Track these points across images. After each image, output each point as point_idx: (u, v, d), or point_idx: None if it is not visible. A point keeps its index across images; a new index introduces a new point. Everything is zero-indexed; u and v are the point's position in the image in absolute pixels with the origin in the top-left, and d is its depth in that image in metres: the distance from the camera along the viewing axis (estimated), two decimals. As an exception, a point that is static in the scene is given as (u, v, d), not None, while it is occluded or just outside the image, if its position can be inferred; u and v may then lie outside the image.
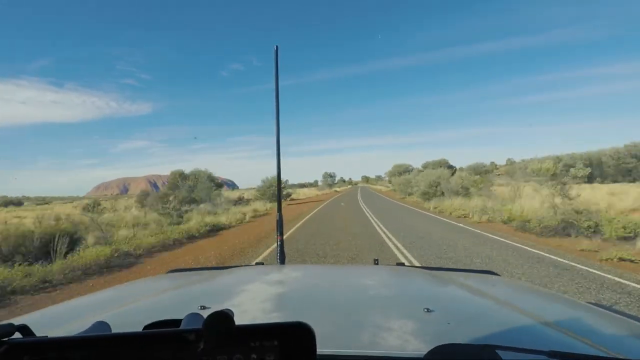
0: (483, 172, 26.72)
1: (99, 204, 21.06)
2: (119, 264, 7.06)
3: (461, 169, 31.32)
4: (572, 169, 24.10)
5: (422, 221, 13.16)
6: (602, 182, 25.89)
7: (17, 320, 0.56)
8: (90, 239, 8.52)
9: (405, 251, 7.32)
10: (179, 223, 12.72)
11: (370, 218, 14.48)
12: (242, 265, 1.96)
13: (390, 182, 49.21)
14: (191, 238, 10.54)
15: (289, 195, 33.80)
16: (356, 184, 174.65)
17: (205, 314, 0.46)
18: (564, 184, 12.44)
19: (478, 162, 34.88)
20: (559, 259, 6.38)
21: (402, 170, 47.28)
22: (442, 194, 21.32)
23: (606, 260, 6.16)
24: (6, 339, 0.44)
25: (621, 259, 6.15)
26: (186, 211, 15.91)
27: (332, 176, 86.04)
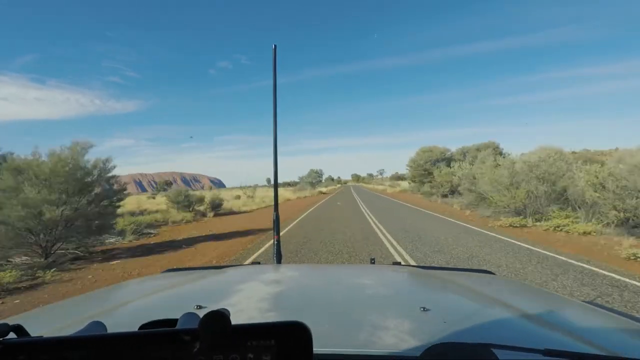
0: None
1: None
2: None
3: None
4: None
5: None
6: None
7: (11, 320, 0.55)
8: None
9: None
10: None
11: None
12: (238, 265, 1.94)
13: (412, 179, 30.11)
14: None
15: (217, 205, 18.35)
16: (346, 182, 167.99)
17: (201, 313, 0.46)
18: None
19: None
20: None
21: (435, 158, 26.46)
22: (566, 203, 10.37)
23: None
24: (0, 339, 0.43)
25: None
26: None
27: (319, 174, 69.82)
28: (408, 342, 0.71)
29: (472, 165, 16.61)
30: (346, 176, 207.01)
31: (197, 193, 20.08)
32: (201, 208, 17.56)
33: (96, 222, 7.83)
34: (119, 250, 8.52)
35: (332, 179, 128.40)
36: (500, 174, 12.22)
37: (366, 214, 14.95)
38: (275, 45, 3.19)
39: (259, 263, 2.06)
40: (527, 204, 11.06)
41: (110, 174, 8.36)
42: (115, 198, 8.59)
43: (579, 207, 9.90)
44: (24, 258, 6.97)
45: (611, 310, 1.09)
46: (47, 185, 6.91)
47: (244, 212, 20.22)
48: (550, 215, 10.24)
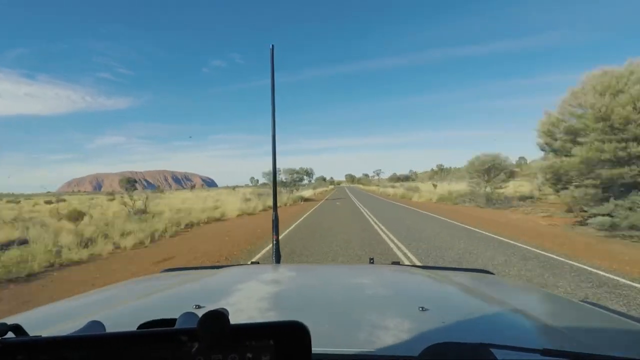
0: None
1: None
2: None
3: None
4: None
5: None
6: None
7: (9, 320, 0.55)
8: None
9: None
10: None
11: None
12: (237, 265, 1.94)
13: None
14: None
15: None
16: (339, 183, 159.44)
17: (200, 313, 0.46)
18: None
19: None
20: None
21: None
22: None
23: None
24: None
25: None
26: None
27: (309, 173, 52.57)
28: (407, 342, 0.72)
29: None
30: (339, 176, 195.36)
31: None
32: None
33: None
34: None
35: (324, 179, 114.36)
36: None
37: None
38: (273, 46, 3.16)
39: (257, 263, 2.06)
40: None
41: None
42: None
43: None
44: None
45: (610, 310, 1.09)
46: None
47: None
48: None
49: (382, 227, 11.04)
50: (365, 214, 15.87)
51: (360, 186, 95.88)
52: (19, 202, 33.17)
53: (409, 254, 6.94)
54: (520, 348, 0.60)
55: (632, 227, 8.17)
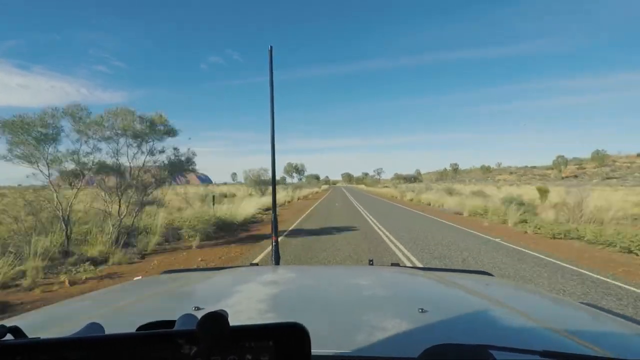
0: None
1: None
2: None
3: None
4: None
5: None
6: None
7: (8, 322, 0.55)
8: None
9: None
10: None
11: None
12: (236, 266, 1.94)
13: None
14: None
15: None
16: (335, 183, 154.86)
17: (199, 314, 0.46)
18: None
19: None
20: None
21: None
22: None
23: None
24: None
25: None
26: None
27: (300, 171, 50.10)
28: (406, 344, 0.72)
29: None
30: (335, 176, 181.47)
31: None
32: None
33: None
34: None
35: (318, 179, 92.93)
36: None
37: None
38: (271, 46, 3.16)
39: (257, 264, 2.06)
40: None
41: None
42: None
43: None
44: None
45: (608, 311, 1.10)
46: None
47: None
48: None
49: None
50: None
51: (363, 187, 79.22)
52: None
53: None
54: (519, 349, 0.60)
55: None
